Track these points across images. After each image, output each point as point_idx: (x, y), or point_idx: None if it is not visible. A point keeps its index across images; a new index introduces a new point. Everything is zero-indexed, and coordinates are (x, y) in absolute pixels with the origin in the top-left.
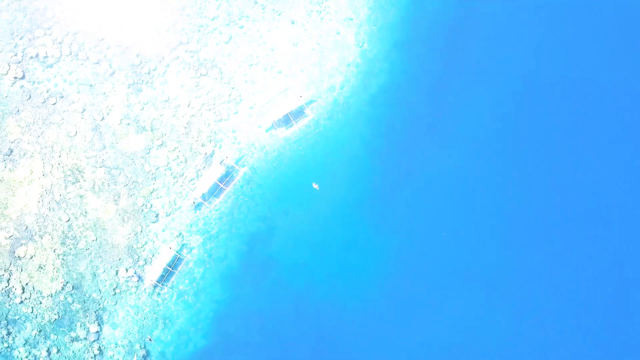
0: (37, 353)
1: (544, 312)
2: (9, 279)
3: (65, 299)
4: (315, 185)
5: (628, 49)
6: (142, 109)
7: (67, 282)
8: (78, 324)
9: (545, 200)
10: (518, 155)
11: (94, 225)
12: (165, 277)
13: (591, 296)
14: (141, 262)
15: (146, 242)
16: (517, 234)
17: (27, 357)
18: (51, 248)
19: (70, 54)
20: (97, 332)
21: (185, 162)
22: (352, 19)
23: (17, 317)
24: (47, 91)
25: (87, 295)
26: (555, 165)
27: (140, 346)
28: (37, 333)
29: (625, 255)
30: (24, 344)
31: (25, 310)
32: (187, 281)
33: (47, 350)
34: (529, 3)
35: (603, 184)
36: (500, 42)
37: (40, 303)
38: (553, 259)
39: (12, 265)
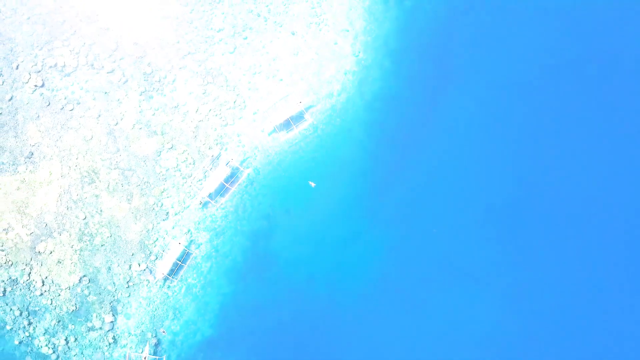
0: (56, 342)
1: (536, 307)
2: (30, 273)
3: (82, 291)
4: (311, 184)
5: (616, 46)
6: (153, 115)
7: (83, 276)
8: (94, 315)
9: (529, 204)
10: (510, 158)
11: (109, 223)
12: (175, 270)
13: (581, 291)
14: (152, 257)
15: (157, 239)
16: (504, 232)
17: (46, 345)
18: (69, 244)
19: (87, 63)
20: (111, 322)
21: (194, 163)
22: (348, 30)
23: (37, 308)
24: (65, 98)
25: (102, 287)
26: (543, 171)
27: (152, 335)
28: (56, 323)
29: (620, 252)
30: (44, 333)
31: (45, 302)
32: (195, 275)
33: (66, 339)
34: (514, 12)
35: (592, 182)
36: (488, 49)
37: (59, 295)
38: (545, 256)
39: (32, 260)
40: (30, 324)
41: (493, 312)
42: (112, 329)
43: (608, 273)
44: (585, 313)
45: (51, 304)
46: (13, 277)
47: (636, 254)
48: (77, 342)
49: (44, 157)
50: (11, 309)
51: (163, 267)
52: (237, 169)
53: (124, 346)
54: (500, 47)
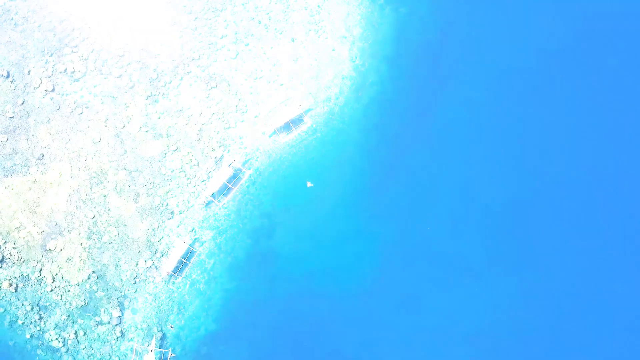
0: (66, 335)
1: (535, 304)
2: (41, 270)
3: (91, 287)
4: (309, 184)
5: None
6: (159, 118)
7: (92, 272)
8: (102, 310)
9: (525, 203)
10: (504, 158)
11: (116, 222)
12: (179, 268)
13: (581, 288)
14: (158, 255)
15: (163, 237)
16: (501, 231)
17: (57, 339)
18: (78, 242)
19: (95, 69)
20: (119, 316)
21: (198, 165)
22: (346, 37)
23: (48, 303)
24: (75, 102)
25: (110, 284)
26: (538, 170)
27: (157, 329)
28: (66, 318)
29: (620, 250)
30: (54, 328)
31: (55, 298)
32: (199, 271)
33: (75, 333)
34: (510, 17)
35: (590, 181)
36: (482, 53)
37: (69, 291)
38: (543, 254)
39: (43, 257)
40: (41, 318)
41: (492, 310)
42: (120, 323)
43: (608, 272)
44: (585, 311)
45: (61, 299)
46: (25, 274)
47: (636, 252)
48: (86, 336)
49: (54, 159)
50: (23, 304)
51: (168, 264)
52: (239, 169)
53: (131, 340)
54: (494, 51)
